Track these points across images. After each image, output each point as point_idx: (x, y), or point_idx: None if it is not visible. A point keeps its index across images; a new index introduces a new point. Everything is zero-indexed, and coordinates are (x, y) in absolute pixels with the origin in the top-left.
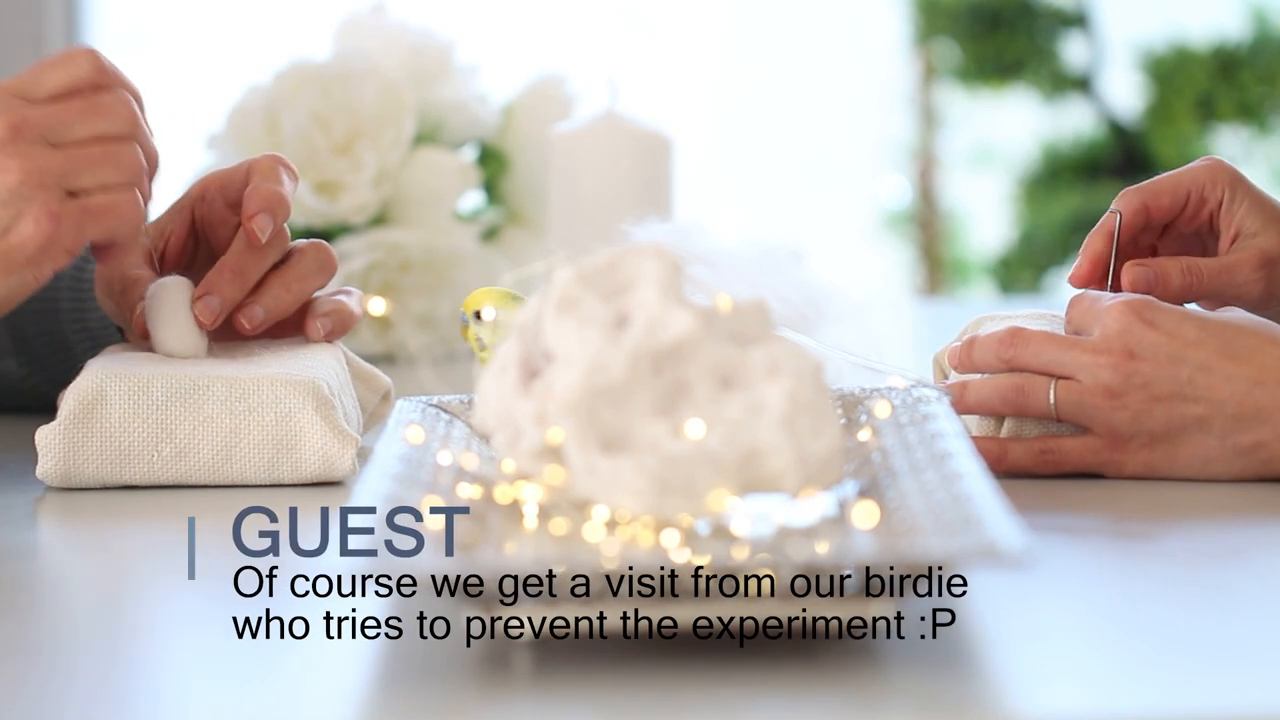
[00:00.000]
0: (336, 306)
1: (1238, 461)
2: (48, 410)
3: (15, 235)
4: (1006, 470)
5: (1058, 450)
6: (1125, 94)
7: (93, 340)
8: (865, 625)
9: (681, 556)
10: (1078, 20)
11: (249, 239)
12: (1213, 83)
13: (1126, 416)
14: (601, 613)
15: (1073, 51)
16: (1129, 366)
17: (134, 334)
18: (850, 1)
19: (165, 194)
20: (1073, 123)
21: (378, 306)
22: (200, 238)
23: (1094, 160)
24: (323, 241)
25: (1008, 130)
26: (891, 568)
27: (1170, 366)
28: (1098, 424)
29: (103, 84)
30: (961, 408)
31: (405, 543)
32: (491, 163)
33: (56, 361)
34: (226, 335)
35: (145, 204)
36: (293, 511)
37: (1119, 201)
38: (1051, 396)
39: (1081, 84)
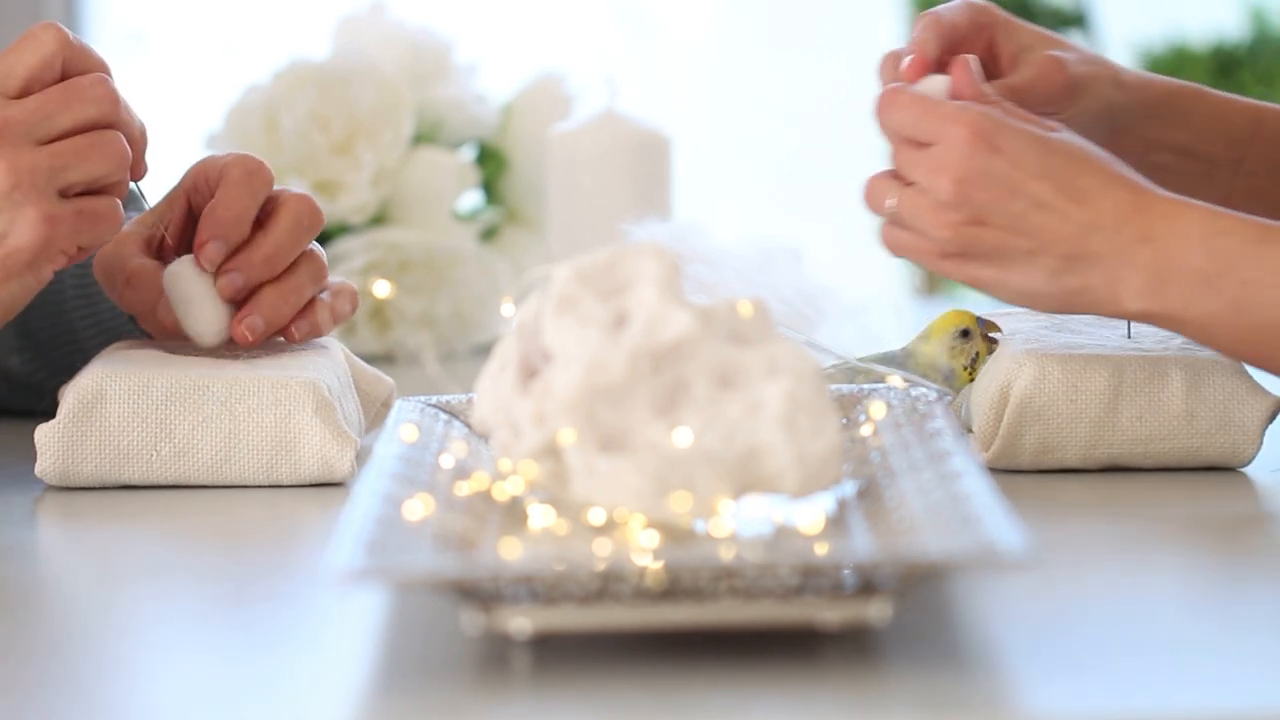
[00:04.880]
0: (341, 285)
1: (1063, 300)
2: (54, 408)
3: (12, 241)
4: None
5: (893, 238)
6: None
7: (104, 332)
8: (864, 625)
9: (680, 557)
10: (1077, 20)
11: (199, 263)
12: (1212, 83)
13: (956, 237)
14: (600, 613)
15: None
16: (964, 191)
17: (153, 326)
18: (850, 1)
19: (159, 184)
20: None
21: (382, 289)
22: (196, 219)
23: None
24: (316, 250)
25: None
26: (890, 567)
27: (1006, 198)
28: (929, 236)
29: (72, 57)
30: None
31: (404, 543)
32: (490, 162)
33: (62, 355)
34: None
35: (139, 180)
36: (292, 511)
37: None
38: (891, 200)
39: None
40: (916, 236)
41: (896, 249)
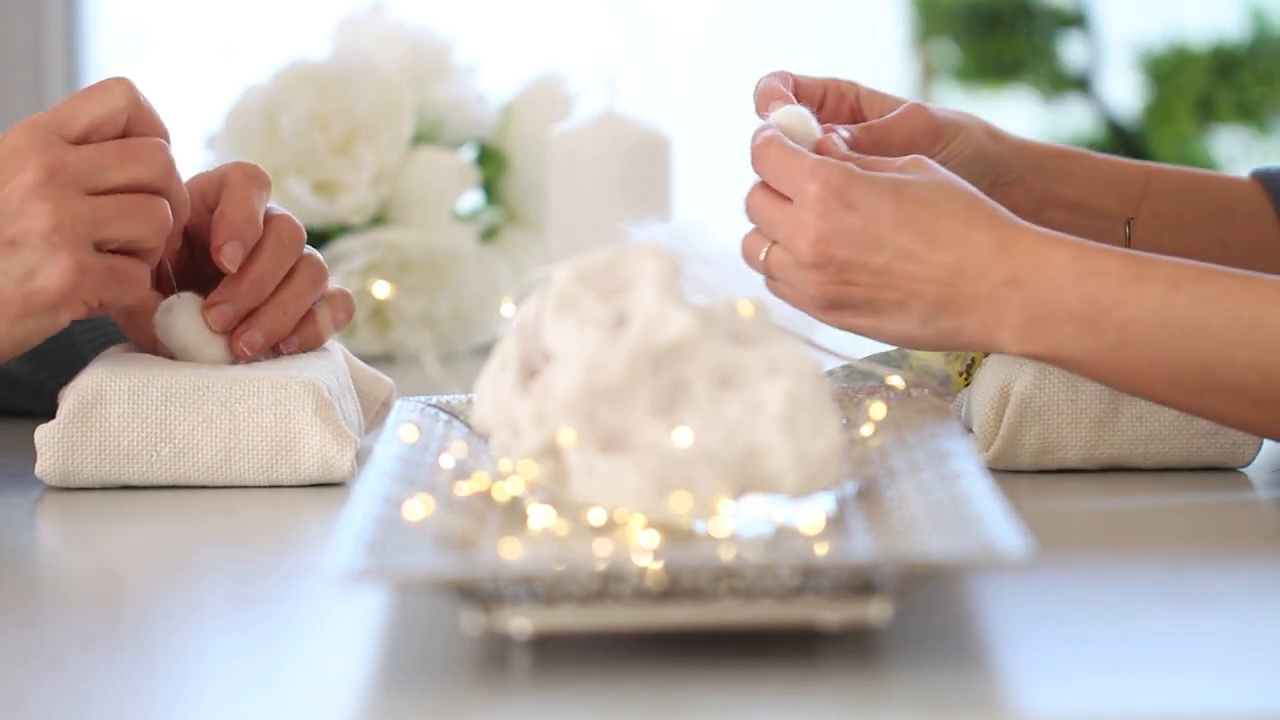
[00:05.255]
0: (337, 292)
1: (941, 342)
2: (54, 409)
3: (40, 280)
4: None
5: (775, 289)
6: (1124, 94)
7: (101, 337)
8: (864, 625)
9: (680, 557)
10: (1076, 20)
11: (221, 265)
12: (1212, 83)
13: (824, 294)
14: (600, 613)
15: (1072, 52)
16: (824, 252)
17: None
18: (850, 1)
19: None
20: (1072, 123)
21: (381, 290)
22: (193, 244)
23: None
24: (313, 254)
25: (1007, 130)
26: (890, 567)
27: (866, 254)
28: (800, 292)
29: (137, 116)
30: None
31: (404, 543)
32: (490, 162)
33: (61, 358)
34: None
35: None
36: (292, 511)
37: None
38: (763, 255)
39: (1081, 84)
40: (792, 289)
41: (781, 299)
